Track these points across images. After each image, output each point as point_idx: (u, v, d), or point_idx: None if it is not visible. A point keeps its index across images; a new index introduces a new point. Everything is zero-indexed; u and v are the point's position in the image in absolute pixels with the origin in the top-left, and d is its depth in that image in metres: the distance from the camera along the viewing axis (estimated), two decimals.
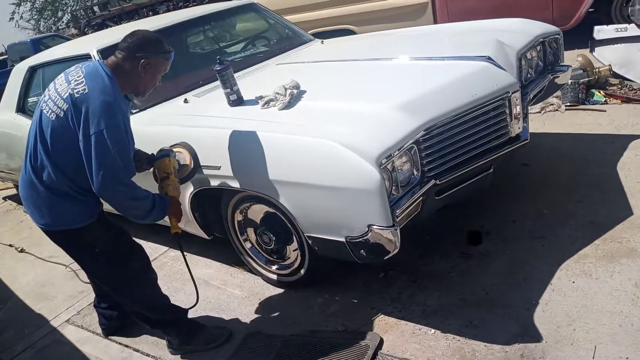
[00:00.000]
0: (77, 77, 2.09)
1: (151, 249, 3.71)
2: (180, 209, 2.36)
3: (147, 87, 2.22)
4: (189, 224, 3.02)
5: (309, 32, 4.38)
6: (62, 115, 2.05)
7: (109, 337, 2.87)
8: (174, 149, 2.50)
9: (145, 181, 2.36)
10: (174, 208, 2.31)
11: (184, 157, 2.50)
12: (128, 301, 2.53)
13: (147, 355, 2.66)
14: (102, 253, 2.31)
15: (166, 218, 2.31)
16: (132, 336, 2.83)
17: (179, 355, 2.58)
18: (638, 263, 2.36)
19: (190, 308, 2.60)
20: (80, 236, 2.25)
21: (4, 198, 5.83)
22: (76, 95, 2.02)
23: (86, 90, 2.02)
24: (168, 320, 2.56)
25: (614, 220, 2.69)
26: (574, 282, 2.36)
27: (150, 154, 2.46)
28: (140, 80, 2.17)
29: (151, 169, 2.45)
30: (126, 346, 2.77)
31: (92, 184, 2.03)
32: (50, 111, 2.09)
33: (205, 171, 2.58)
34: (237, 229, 2.88)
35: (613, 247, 2.50)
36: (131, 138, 2.16)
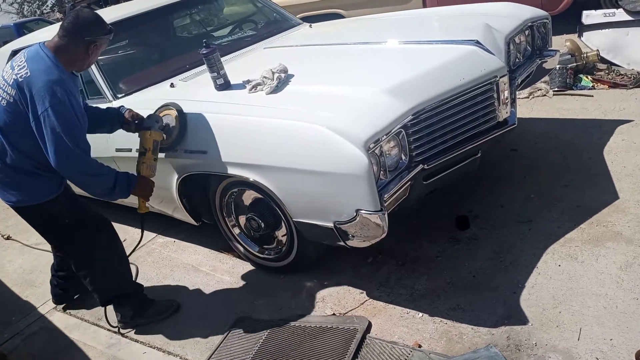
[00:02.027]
0: (20, 62, 2.19)
1: (139, 235, 3.68)
2: (149, 189, 2.41)
3: (90, 64, 2.34)
4: (177, 210, 3.00)
5: (297, 16, 4.34)
6: (11, 101, 2.16)
7: (97, 324, 2.87)
8: (163, 112, 2.53)
9: None
10: (141, 188, 2.37)
11: (172, 120, 2.52)
12: (93, 274, 2.58)
13: (136, 341, 2.66)
14: (71, 224, 2.39)
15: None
16: (116, 320, 2.82)
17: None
18: (623, 246, 2.39)
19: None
20: (48, 209, 2.33)
21: None
22: (20, 80, 2.12)
23: (28, 74, 2.11)
24: (127, 294, 2.68)
25: (600, 204, 2.71)
26: (559, 265, 2.38)
27: (144, 117, 2.51)
28: (86, 59, 2.26)
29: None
30: (115, 332, 2.76)
31: (50, 161, 2.14)
32: (1, 98, 2.20)
33: (192, 156, 2.56)
34: (225, 214, 2.87)
35: (599, 231, 2.53)
36: (82, 113, 2.21)
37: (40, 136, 2.11)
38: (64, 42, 2.19)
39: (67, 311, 3.05)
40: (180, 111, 2.55)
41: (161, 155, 2.60)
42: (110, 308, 2.75)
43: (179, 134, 2.53)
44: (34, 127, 2.11)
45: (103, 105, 2.75)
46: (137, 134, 2.49)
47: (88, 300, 3.01)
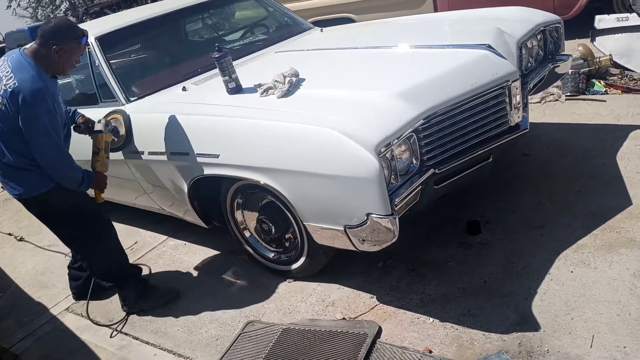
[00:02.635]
0: (6, 72, 2.36)
1: (150, 237, 3.72)
2: (104, 182, 2.70)
3: (65, 68, 2.47)
4: (188, 213, 3.02)
5: (308, 21, 4.35)
6: (3, 109, 2.34)
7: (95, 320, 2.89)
8: (110, 117, 2.85)
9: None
10: (97, 182, 2.66)
11: (120, 128, 2.84)
12: (93, 258, 2.81)
13: (147, 343, 2.67)
14: (68, 212, 2.61)
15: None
16: (128, 322, 2.84)
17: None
18: (636, 253, 2.36)
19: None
20: (47, 199, 2.54)
21: (2, 187, 5.82)
22: (9, 90, 2.30)
23: (16, 84, 2.30)
24: (127, 275, 2.90)
25: (613, 210, 2.68)
26: (572, 271, 2.36)
27: (94, 122, 2.74)
28: (57, 64, 2.40)
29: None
30: (126, 334, 2.78)
31: (37, 159, 2.40)
32: None
33: (204, 159, 2.58)
34: (235, 217, 2.88)
35: (612, 237, 2.50)
36: (60, 114, 2.43)
37: (29, 139, 2.35)
38: (38, 47, 2.37)
39: (80, 312, 3.07)
40: (125, 115, 2.86)
41: (174, 158, 2.67)
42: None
43: (127, 135, 2.84)
44: (24, 130, 2.33)
45: (85, 110, 2.93)
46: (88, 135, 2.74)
47: (104, 297, 3.11)
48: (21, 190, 2.54)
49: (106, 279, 2.89)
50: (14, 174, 2.50)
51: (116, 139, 2.84)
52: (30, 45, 2.42)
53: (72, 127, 2.74)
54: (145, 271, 3.17)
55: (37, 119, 2.30)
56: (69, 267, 3.16)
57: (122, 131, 2.85)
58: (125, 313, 2.93)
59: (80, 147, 2.77)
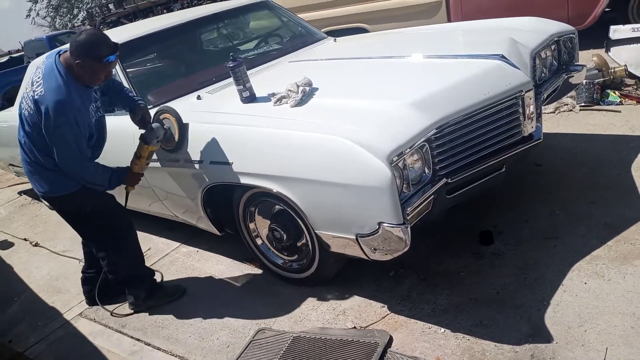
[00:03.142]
0: (37, 78, 2.43)
1: (164, 244, 3.75)
2: (137, 181, 2.77)
3: (92, 81, 2.47)
4: (201, 220, 3.04)
5: (322, 31, 4.39)
6: (32, 112, 2.43)
7: (121, 328, 2.92)
8: (163, 117, 2.75)
9: None
10: (130, 181, 2.74)
11: (174, 133, 2.75)
12: (111, 257, 2.87)
13: (159, 349, 2.69)
14: (93, 212, 2.70)
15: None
16: (140, 328, 2.86)
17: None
18: None
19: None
20: (72, 200, 2.63)
21: (19, 193, 5.91)
22: (36, 97, 2.38)
23: (43, 92, 2.37)
24: (141, 275, 2.99)
25: (628, 221, 2.66)
26: (585, 283, 2.34)
27: (149, 125, 2.73)
28: (82, 76, 2.42)
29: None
30: (138, 340, 2.80)
31: (58, 165, 2.48)
32: (25, 107, 2.49)
33: (217, 167, 2.60)
34: (248, 225, 2.90)
35: (626, 249, 2.48)
36: (87, 123, 2.47)
37: (50, 144, 2.43)
38: (68, 58, 2.41)
39: (92, 318, 3.10)
40: (178, 118, 2.74)
41: (188, 166, 2.72)
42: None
43: (180, 138, 2.74)
44: (46, 136, 2.41)
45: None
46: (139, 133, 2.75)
47: (117, 302, 3.14)
48: (46, 188, 2.62)
49: (121, 278, 2.95)
50: (41, 172, 2.58)
51: (168, 145, 2.78)
52: (65, 53, 2.44)
53: (130, 112, 2.76)
54: (157, 278, 3.20)
55: (57, 130, 2.36)
56: (83, 272, 3.21)
57: (176, 136, 2.74)
58: (132, 311, 3.02)
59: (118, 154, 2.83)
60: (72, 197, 2.60)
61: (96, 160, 2.66)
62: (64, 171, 2.50)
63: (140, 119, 2.74)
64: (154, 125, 2.72)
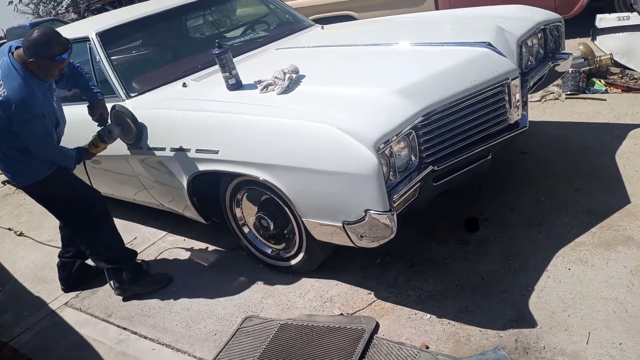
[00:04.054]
0: None
1: (150, 233, 3.73)
2: (92, 156, 2.88)
3: (47, 76, 2.52)
4: (187, 209, 3.03)
5: (309, 18, 4.35)
6: None
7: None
8: (124, 119, 2.84)
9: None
10: (89, 157, 2.86)
11: (132, 128, 2.86)
12: (91, 240, 2.93)
13: (145, 337, 2.68)
14: (67, 198, 2.78)
15: None
16: (126, 317, 2.85)
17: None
18: (634, 251, 2.37)
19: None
20: (46, 186, 2.68)
21: (3, 182, 5.83)
22: (0, 99, 2.41)
23: (6, 93, 2.41)
24: (123, 257, 3.00)
25: (611, 208, 2.69)
26: (569, 269, 2.37)
27: (105, 122, 2.88)
28: (36, 72, 2.47)
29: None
30: (124, 328, 2.79)
31: (34, 156, 2.58)
32: None
33: (204, 155, 2.59)
34: (235, 213, 2.89)
35: (609, 235, 2.51)
36: (52, 113, 2.56)
37: (24, 140, 2.51)
38: (22, 55, 2.44)
39: (78, 307, 3.09)
40: (133, 118, 2.84)
41: (174, 154, 2.72)
42: None
43: (137, 133, 2.85)
44: (17, 132, 2.46)
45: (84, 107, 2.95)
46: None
47: (98, 291, 3.16)
48: (19, 178, 2.68)
49: (104, 259, 2.96)
50: (12, 165, 2.64)
51: (127, 139, 2.91)
52: (19, 50, 2.47)
53: (87, 108, 2.88)
54: (143, 267, 3.18)
55: (28, 124, 2.44)
56: (59, 256, 3.23)
57: (134, 133, 2.87)
58: (117, 295, 3.03)
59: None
60: (45, 182, 2.66)
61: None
62: (39, 159, 2.59)
63: (99, 117, 2.88)
64: (110, 126, 2.83)
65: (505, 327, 2.14)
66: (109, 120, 2.87)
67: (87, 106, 2.89)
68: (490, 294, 2.34)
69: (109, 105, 2.90)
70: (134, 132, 2.85)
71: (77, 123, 3.00)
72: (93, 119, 2.89)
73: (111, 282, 3.01)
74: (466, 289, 2.40)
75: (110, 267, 2.98)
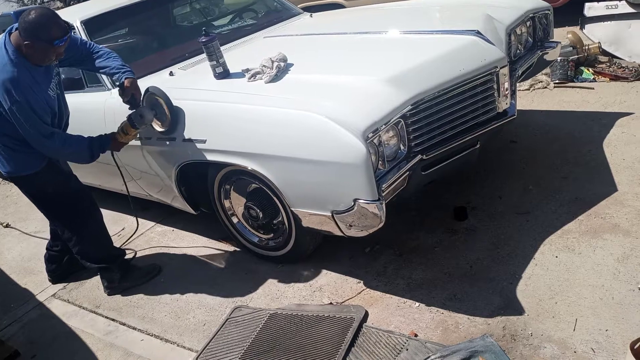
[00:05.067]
0: None
1: (139, 223, 3.69)
2: (121, 147, 2.68)
3: (43, 60, 2.37)
4: (176, 199, 3.01)
5: (298, 6, 4.31)
6: None
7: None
8: (157, 102, 2.62)
9: None
10: (114, 147, 2.65)
11: (166, 113, 2.61)
12: (77, 238, 2.83)
13: (134, 328, 2.67)
14: (55, 193, 2.67)
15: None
16: (115, 308, 2.84)
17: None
18: (620, 238, 2.39)
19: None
20: (35, 180, 2.59)
21: None
22: None
23: None
24: (111, 256, 2.94)
25: (599, 196, 2.71)
26: (557, 256, 2.38)
27: (138, 103, 2.63)
28: (31, 56, 2.33)
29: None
30: (112, 320, 2.78)
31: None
32: None
33: (191, 144, 2.56)
34: (223, 203, 2.87)
35: (596, 223, 2.53)
36: (43, 102, 2.37)
37: (13, 122, 2.35)
38: (17, 37, 2.30)
39: (66, 299, 3.06)
40: (167, 100, 2.59)
41: (161, 143, 2.69)
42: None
43: (172, 119, 2.60)
44: (6, 115, 2.34)
45: (71, 95, 2.85)
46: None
47: (86, 283, 3.14)
48: (9, 168, 2.56)
49: (92, 260, 2.91)
50: (4, 152, 2.52)
51: (162, 126, 2.66)
52: (15, 32, 2.34)
53: (118, 90, 2.63)
54: (130, 256, 3.17)
55: (11, 110, 2.30)
56: (47, 248, 3.19)
57: (168, 118, 2.61)
58: (107, 295, 2.99)
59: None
60: (36, 176, 2.56)
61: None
62: (36, 148, 2.44)
63: (131, 98, 2.61)
64: (143, 110, 2.59)
65: (493, 314, 2.16)
66: (142, 104, 2.64)
67: (117, 86, 2.64)
68: (478, 281, 2.35)
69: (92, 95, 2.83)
70: (169, 119, 2.59)
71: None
72: (124, 101, 2.62)
73: (102, 281, 2.99)
74: (454, 277, 2.41)
75: (98, 267, 2.94)
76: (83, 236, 2.83)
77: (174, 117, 2.60)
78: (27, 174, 2.56)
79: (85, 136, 2.56)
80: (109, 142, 2.60)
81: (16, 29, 2.33)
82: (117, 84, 2.63)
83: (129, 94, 2.59)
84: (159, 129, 2.66)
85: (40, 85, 2.38)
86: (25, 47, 2.28)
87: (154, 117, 2.62)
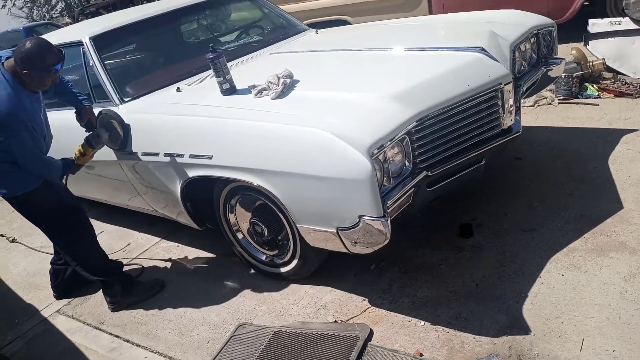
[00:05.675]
0: None
1: (143, 239, 3.71)
2: (78, 169, 2.81)
3: (40, 87, 2.52)
4: (181, 215, 3.01)
5: (304, 23, 4.35)
6: None
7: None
8: (111, 124, 2.86)
9: None
10: (75, 171, 2.80)
11: (119, 133, 2.87)
12: (76, 252, 2.89)
13: (138, 345, 2.66)
14: (50, 210, 2.72)
15: None
16: (119, 324, 2.83)
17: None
18: (627, 257, 2.37)
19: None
20: (31, 198, 2.64)
21: None
22: None
23: None
24: (110, 268, 2.97)
25: (605, 213, 2.69)
26: (563, 275, 2.36)
27: (93, 127, 2.86)
28: (29, 84, 2.45)
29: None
30: (116, 336, 2.77)
31: (21, 167, 2.53)
32: None
33: (197, 160, 2.57)
34: (229, 219, 2.87)
35: (603, 241, 2.51)
36: (40, 125, 2.53)
37: (11, 149, 2.44)
38: (14, 66, 2.41)
39: (70, 314, 3.06)
40: (120, 121, 2.86)
41: (168, 159, 2.70)
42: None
43: (124, 138, 2.87)
44: (5, 143, 2.41)
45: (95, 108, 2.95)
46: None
47: (90, 299, 3.14)
48: (4, 190, 2.63)
49: (93, 272, 2.93)
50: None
51: (114, 145, 2.91)
52: (10, 60, 2.45)
53: (75, 115, 2.85)
54: (138, 271, 3.17)
55: (17, 136, 2.40)
56: (52, 263, 3.21)
57: (120, 138, 2.87)
58: (111, 311, 2.98)
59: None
60: (30, 195, 2.61)
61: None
62: (26, 170, 2.54)
63: (87, 122, 2.86)
64: (98, 130, 2.82)
65: (499, 334, 2.14)
66: (97, 126, 2.87)
67: (75, 113, 2.86)
68: (484, 300, 2.34)
69: (96, 111, 2.89)
70: (121, 138, 2.85)
71: (65, 128, 2.99)
72: (81, 125, 2.87)
73: (105, 297, 2.99)
74: (460, 296, 2.40)
75: (99, 280, 2.96)
76: (80, 250, 2.88)
77: (125, 136, 2.85)
78: (22, 193, 2.61)
79: (57, 159, 2.68)
80: (71, 166, 2.74)
81: (6, 57, 2.47)
82: (76, 109, 2.85)
83: (86, 119, 2.85)
84: (112, 147, 2.91)
85: (36, 110, 2.52)
86: (24, 76, 2.40)
87: (109, 137, 2.84)
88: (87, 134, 2.83)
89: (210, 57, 2.75)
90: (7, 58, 2.47)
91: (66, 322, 3.01)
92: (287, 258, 2.73)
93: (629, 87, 4.18)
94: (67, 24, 17.29)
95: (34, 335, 2.97)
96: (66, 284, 3.21)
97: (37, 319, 3.11)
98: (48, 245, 3.86)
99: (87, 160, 2.81)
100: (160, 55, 3.76)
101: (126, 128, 2.86)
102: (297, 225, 2.40)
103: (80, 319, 2.99)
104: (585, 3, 5.52)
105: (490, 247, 2.67)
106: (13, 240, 4.27)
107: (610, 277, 2.28)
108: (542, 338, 2.07)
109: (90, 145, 2.77)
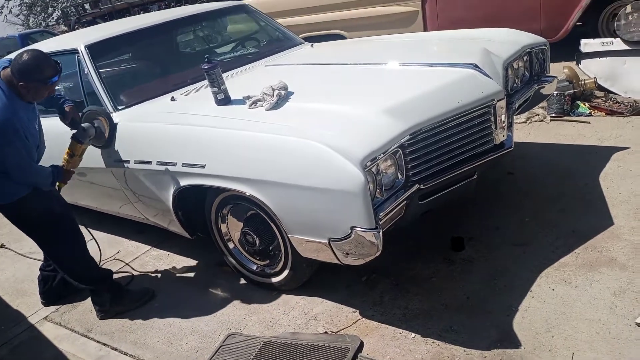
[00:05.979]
0: None
1: (134, 247, 3.68)
2: (70, 177, 2.82)
3: (36, 98, 2.52)
4: (172, 223, 3.00)
5: (299, 36, 4.39)
6: None
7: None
8: (97, 119, 2.87)
9: None
10: (65, 178, 2.79)
11: (105, 131, 2.89)
12: (65, 260, 2.86)
13: (125, 354, 2.63)
14: (40, 218, 2.70)
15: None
16: (107, 332, 2.80)
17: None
18: (617, 272, 2.39)
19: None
20: (21, 206, 2.61)
21: None
22: None
23: None
24: (99, 276, 2.95)
25: (595, 229, 2.72)
26: (553, 289, 2.37)
27: (80, 124, 2.81)
28: (26, 95, 2.46)
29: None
30: (104, 344, 2.74)
31: (12, 177, 2.51)
32: None
33: (190, 169, 2.57)
34: (220, 228, 2.87)
35: (593, 256, 2.53)
36: (34, 134, 2.55)
37: (1, 158, 2.43)
38: (10, 76, 2.42)
39: (58, 322, 3.02)
40: (107, 116, 2.89)
41: (160, 167, 2.69)
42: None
43: (109, 136, 2.89)
44: None
45: None
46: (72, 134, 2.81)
47: (79, 306, 3.10)
48: None
49: (79, 281, 2.90)
50: None
51: (99, 142, 2.91)
52: (6, 70, 2.45)
53: (59, 116, 2.80)
54: (127, 279, 3.14)
55: (10, 146, 2.39)
56: (41, 269, 3.18)
57: (106, 134, 2.88)
58: (99, 319, 2.94)
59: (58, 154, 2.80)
60: (21, 203, 2.59)
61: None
62: (17, 181, 2.53)
63: (71, 121, 2.80)
64: (85, 125, 2.80)
65: (489, 347, 2.14)
66: (82, 121, 2.84)
67: (58, 113, 2.82)
68: (475, 313, 2.34)
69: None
70: (107, 131, 2.85)
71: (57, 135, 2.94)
72: (65, 124, 2.82)
73: (94, 306, 2.96)
74: (451, 309, 2.40)
75: (87, 288, 2.94)
76: (69, 258, 2.85)
77: (112, 134, 2.86)
78: (12, 201, 2.58)
79: (48, 167, 2.67)
80: (61, 173, 2.73)
81: (3, 67, 2.47)
82: (58, 110, 2.81)
83: (70, 117, 2.80)
84: (97, 145, 2.91)
85: (31, 121, 2.53)
86: (20, 88, 2.40)
87: (95, 132, 2.83)
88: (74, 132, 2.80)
89: (206, 67, 2.76)
90: (4, 68, 2.46)
91: (53, 329, 2.98)
92: (278, 268, 2.72)
93: (620, 105, 4.23)
94: (63, 32, 17.32)
95: (20, 342, 2.93)
96: (55, 291, 3.18)
97: (24, 325, 3.07)
98: (37, 251, 3.82)
99: (77, 162, 2.79)
100: (155, 64, 3.78)
101: (112, 122, 2.88)
102: (288, 235, 2.39)
103: (68, 326, 2.96)
104: (578, 23, 5.61)
105: (481, 260, 2.67)
106: (2, 246, 4.23)
107: (600, 292, 2.29)
108: (533, 352, 2.07)
109: (78, 141, 2.75)
